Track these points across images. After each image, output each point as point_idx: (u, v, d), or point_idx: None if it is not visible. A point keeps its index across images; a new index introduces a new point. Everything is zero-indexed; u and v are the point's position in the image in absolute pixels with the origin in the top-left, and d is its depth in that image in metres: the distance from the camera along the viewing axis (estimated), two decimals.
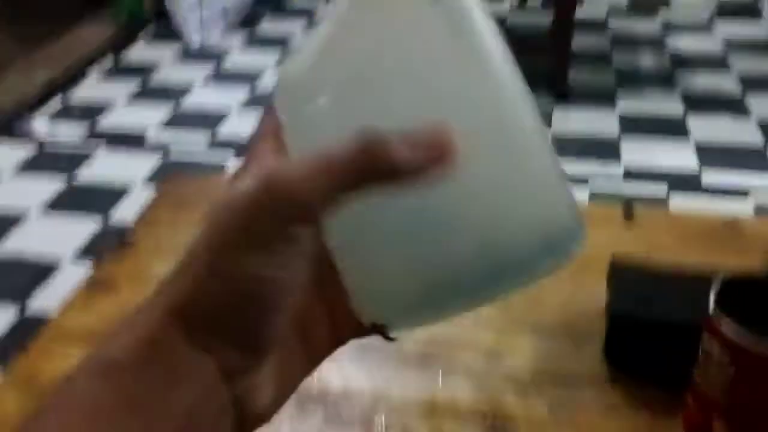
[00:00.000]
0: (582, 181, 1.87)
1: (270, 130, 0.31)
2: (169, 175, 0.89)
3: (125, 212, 1.81)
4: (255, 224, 0.26)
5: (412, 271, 0.29)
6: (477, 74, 0.28)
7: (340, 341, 0.32)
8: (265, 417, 0.29)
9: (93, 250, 1.69)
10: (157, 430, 0.26)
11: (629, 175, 1.89)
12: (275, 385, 0.29)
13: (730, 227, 0.74)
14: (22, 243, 1.73)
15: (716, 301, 0.45)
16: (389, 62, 0.28)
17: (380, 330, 0.31)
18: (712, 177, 1.86)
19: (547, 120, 2.14)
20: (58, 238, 1.74)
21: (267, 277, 0.26)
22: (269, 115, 0.31)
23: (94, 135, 2.16)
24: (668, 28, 2.69)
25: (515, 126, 0.29)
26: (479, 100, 0.28)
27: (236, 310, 0.26)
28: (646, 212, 0.76)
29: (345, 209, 0.26)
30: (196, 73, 2.49)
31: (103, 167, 2.00)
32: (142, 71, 2.52)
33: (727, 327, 0.44)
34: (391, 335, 0.31)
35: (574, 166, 1.93)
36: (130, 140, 2.12)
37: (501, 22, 2.76)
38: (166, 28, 2.80)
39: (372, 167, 0.25)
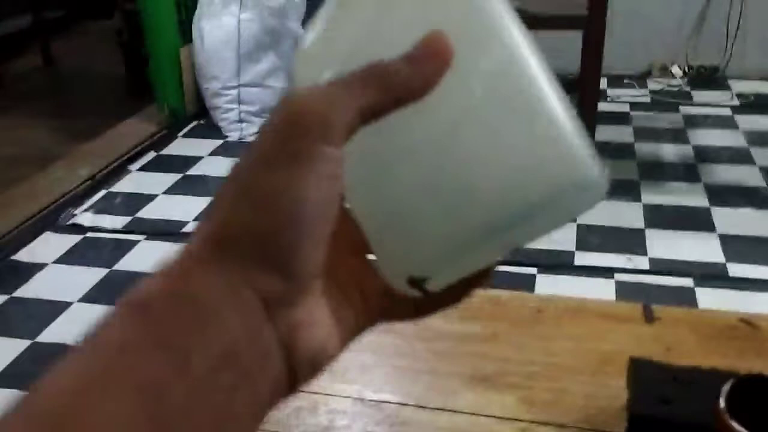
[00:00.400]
0: (608, 273, 1.90)
1: None
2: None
3: None
4: (286, 142, 0.26)
5: (442, 216, 0.30)
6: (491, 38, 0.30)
7: (370, 319, 0.31)
8: (318, 365, 0.28)
9: None
10: (192, 371, 0.24)
11: (655, 267, 1.92)
12: (326, 329, 0.28)
13: (748, 325, 0.77)
14: (64, 331, 1.79)
15: (726, 402, 0.49)
16: (397, 32, 0.29)
17: (417, 284, 0.30)
18: (737, 269, 1.88)
19: None
20: None
21: (301, 197, 0.25)
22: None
23: (135, 227, 2.25)
24: (690, 121, 2.76)
25: (528, 74, 0.30)
26: (495, 53, 0.30)
27: (272, 233, 0.26)
28: (665, 311, 0.80)
29: (367, 164, 0.28)
30: None
31: (143, 259, 2.08)
32: (182, 165, 2.64)
33: (735, 427, 0.47)
34: (429, 288, 0.30)
35: (599, 258, 1.96)
36: (169, 232, 2.20)
37: None
38: (206, 125, 2.94)
39: (384, 81, 0.27)
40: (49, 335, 1.78)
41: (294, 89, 0.28)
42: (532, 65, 0.31)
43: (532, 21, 1.86)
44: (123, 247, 2.14)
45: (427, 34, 0.28)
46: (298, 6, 2.87)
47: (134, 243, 2.16)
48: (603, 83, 3.03)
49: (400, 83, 0.27)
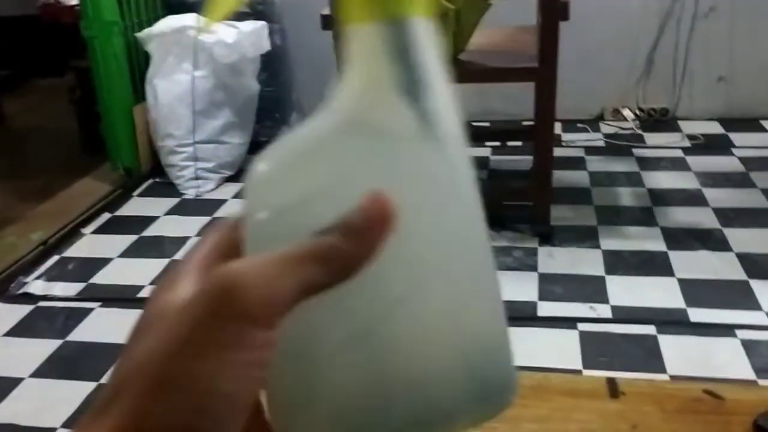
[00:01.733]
0: (571, 323, 1.89)
1: (212, 245, 0.31)
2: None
3: None
4: (217, 324, 0.24)
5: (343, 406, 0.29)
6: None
7: None
8: None
9: None
10: None
11: (617, 315, 1.92)
12: None
13: (713, 396, 0.76)
14: (14, 410, 1.72)
15: None
16: (360, 187, 0.28)
17: None
18: (698, 314, 1.90)
19: (533, 261, 2.19)
20: (50, 404, 1.73)
21: (222, 390, 0.24)
22: (214, 231, 0.31)
23: (89, 294, 2.19)
24: (643, 164, 2.81)
25: (479, 256, 0.31)
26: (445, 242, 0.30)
27: (194, 427, 0.24)
28: (630, 384, 0.79)
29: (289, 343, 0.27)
30: (191, 226, 2.56)
31: (98, 328, 2.02)
32: (138, 227, 2.59)
33: None
34: None
35: (562, 308, 1.96)
36: (125, 298, 2.15)
37: (483, 164, 2.88)
38: (161, 183, 2.90)
39: (324, 257, 0.26)
40: None
41: (229, 267, 0.26)
42: (483, 240, 0.31)
43: (486, 74, 1.89)
44: (76, 316, 2.08)
45: (368, 196, 0.27)
46: (253, 62, 2.87)
47: (88, 311, 2.10)
48: (557, 128, 3.07)
49: (341, 258, 0.26)
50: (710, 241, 2.24)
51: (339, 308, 0.28)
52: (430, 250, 0.29)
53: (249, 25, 2.80)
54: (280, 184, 0.30)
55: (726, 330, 1.82)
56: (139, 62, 2.91)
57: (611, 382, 0.78)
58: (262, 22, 2.86)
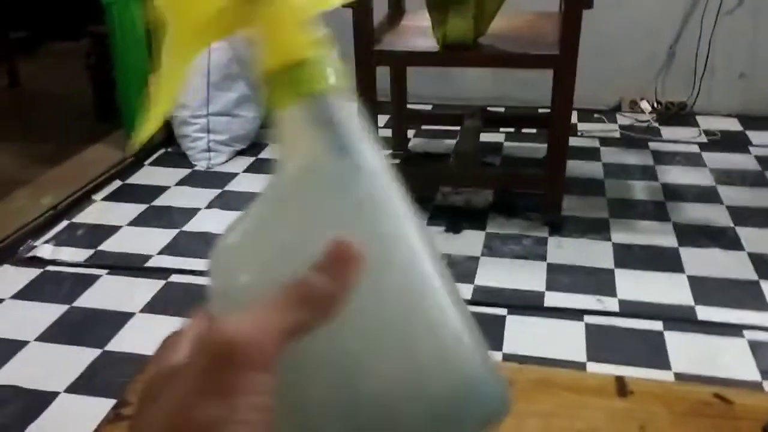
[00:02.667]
0: (577, 315, 1.88)
1: (197, 322, 0.34)
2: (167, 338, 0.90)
3: (124, 341, 1.82)
4: (217, 379, 0.26)
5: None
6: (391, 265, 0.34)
7: None
8: None
9: (90, 382, 1.69)
10: None
11: (625, 309, 1.91)
12: None
13: (722, 401, 0.75)
14: (18, 373, 1.73)
15: None
16: (310, 247, 0.31)
17: None
18: (706, 312, 1.88)
19: (543, 251, 2.18)
20: (54, 369, 1.74)
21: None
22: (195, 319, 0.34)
23: (97, 260, 2.19)
24: (659, 158, 2.78)
25: (432, 295, 0.35)
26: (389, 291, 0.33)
27: None
28: (638, 383, 0.78)
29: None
30: (201, 197, 2.55)
31: (104, 295, 2.02)
32: (148, 196, 2.59)
33: None
34: None
35: (569, 299, 1.95)
36: (133, 265, 2.15)
37: (497, 149, 2.86)
38: (173, 153, 2.90)
39: (306, 299, 0.29)
40: (2, 377, 1.71)
41: (222, 318, 0.28)
42: (435, 282, 0.35)
43: (505, 59, 1.87)
44: (84, 282, 2.08)
45: (334, 241, 0.30)
46: None
47: (96, 277, 2.10)
48: (573, 117, 3.04)
49: (318, 297, 0.29)
50: (722, 239, 2.22)
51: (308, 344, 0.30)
52: (376, 296, 0.33)
53: None
54: (243, 255, 0.34)
55: (733, 329, 1.81)
56: (157, 30, 2.89)
57: (620, 380, 0.77)
58: None
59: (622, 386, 0.77)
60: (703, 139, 2.96)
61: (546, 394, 0.76)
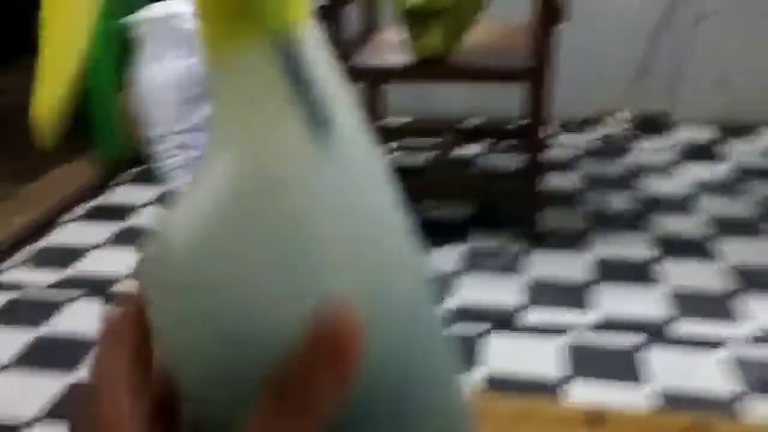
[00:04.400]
0: (558, 331, 1.87)
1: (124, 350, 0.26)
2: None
3: None
4: None
5: None
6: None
7: None
8: None
9: (59, 411, 1.64)
10: None
11: (605, 323, 1.89)
12: None
13: (701, 429, 0.73)
14: None
15: None
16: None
17: None
18: (685, 326, 1.87)
19: (522, 265, 2.16)
20: (24, 395, 1.69)
21: None
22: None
23: (67, 284, 2.15)
24: (637, 168, 2.78)
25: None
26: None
27: None
28: (615, 414, 0.76)
29: None
30: None
31: (75, 319, 1.98)
32: (119, 216, 2.54)
33: None
34: None
35: (550, 314, 1.93)
36: (103, 289, 2.11)
37: (473, 163, 2.84)
38: (144, 171, 2.86)
39: (293, 413, 0.21)
40: None
41: None
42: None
43: (480, 73, 1.85)
44: (54, 306, 2.03)
45: (325, 317, 0.21)
46: None
47: (67, 301, 2.06)
48: (551, 128, 3.04)
49: (317, 404, 0.21)
50: (701, 250, 2.21)
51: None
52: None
53: None
54: (187, 251, 0.24)
55: (712, 343, 1.80)
56: (127, 47, 2.85)
57: (594, 413, 0.75)
58: None
59: (598, 417, 0.74)
60: (682, 148, 2.96)
61: (523, 429, 0.74)
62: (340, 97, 0.25)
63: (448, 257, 2.22)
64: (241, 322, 0.23)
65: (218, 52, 0.25)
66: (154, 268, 0.26)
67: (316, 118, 0.24)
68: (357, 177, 0.26)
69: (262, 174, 0.24)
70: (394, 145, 3.03)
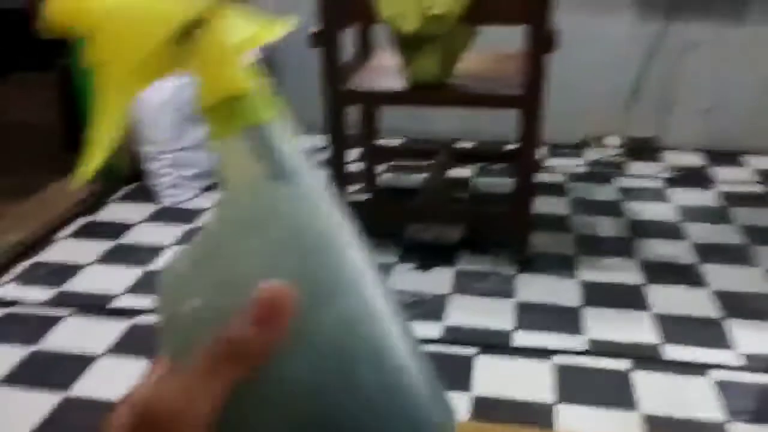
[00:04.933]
0: (546, 354, 1.89)
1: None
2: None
3: (87, 384, 1.79)
4: None
5: None
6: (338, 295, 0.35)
7: None
8: None
9: (52, 428, 1.65)
10: None
11: (592, 348, 1.92)
12: None
13: None
14: None
15: None
16: (251, 276, 0.33)
17: None
18: (672, 351, 1.90)
19: (511, 288, 2.19)
20: (16, 413, 1.70)
21: None
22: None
23: (61, 301, 2.16)
24: (625, 193, 2.82)
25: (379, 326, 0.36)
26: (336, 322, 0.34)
27: None
28: None
29: None
30: (168, 234, 2.53)
31: (69, 336, 1.99)
32: (114, 233, 2.56)
33: None
34: None
35: (538, 338, 1.96)
36: (97, 306, 2.12)
37: (466, 184, 2.88)
38: (139, 188, 2.88)
39: (235, 355, 0.29)
40: None
41: (147, 388, 0.30)
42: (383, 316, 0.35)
43: (472, 99, 1.89)
44: (48, 323, 2.04)
45: (264, 287, 0.31)
46: None
47: (59, 318, 2.07)
48: (540, 153, 3.08)
49: (248, 353, 0.29)
50: (688, 276, 2.24)
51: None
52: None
53: None
54: (189, 282, 0.35)
55: (699, 368, 1.83)
56: None
57: None
58: None
59: None
60: (669, 174, 3.00)
61: None
62: (298, 158, 0.37)
63: (437, 279, 2.24)
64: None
65: (215, 135, 0.37)
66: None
67: (275, 170, 0.36)
68: (309, 207, 0.36)
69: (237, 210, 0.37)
70: (385, 165, 3.07)
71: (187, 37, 0.37)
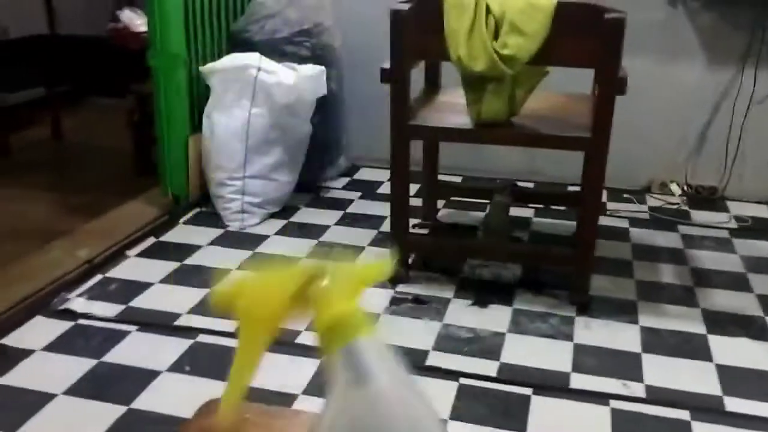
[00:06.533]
0: (603, 399, 1.87)
1: None
2: (205, 404, 0.93)
3: (149, 399, 1.84)
4: None
5: None
6: None
7: None
8: None
9: None
10: None
11: (651, 396, 1.89)
12: None
13: None
14: (45, 426, 1.75)
15: None
16: None
17: None
18: (734, 403, 1.86)
19: (569, 330, 2.18)
20: (79, 424, 1.75)
21: None
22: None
23: (127, 317, 2.23)
24: (688, 242, 2.78)
25: None
26: None
27: None
28: None
29: None
30: (233, 258, 2.60)
31: (133, 351, 2.05)
32: (181, 254, 2.63)
33: None
34: None
35: (594, 381, 1.94)
36: (161, 324, 2.18)
37: (526, 224, 2.88)
38: (207, 213, 2.96)
39: None
40: (27, 430, 1.73)
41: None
42: None
43: (537, 139, 1.92)
44: (113, 338, 2.11)
45: None
46: (309, 105, 2.92)
47: (125, 333, 2.14)
48: (603, 196, 3.06)
49: None
50: (752, 328, 2.20)
51: None
52: None
53: (309, 69, 2.86)
54: None
55: (762, 422, 1.78)
56: (199, 94, 2.99)
57: None
58: (321, 67, 2.92)
59: None
60: (734, 224, 2.96)
61: None
62: (387, 364, 0.57)
63: (494, 317, 2.24)
64: None
65: (324, 352, 0.58)
66: None
67: (357, 377, 0.55)
68: (387, 409, 0.55)
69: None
70: (445, 201, 3.09)
71: (304, 292, 0.59)
